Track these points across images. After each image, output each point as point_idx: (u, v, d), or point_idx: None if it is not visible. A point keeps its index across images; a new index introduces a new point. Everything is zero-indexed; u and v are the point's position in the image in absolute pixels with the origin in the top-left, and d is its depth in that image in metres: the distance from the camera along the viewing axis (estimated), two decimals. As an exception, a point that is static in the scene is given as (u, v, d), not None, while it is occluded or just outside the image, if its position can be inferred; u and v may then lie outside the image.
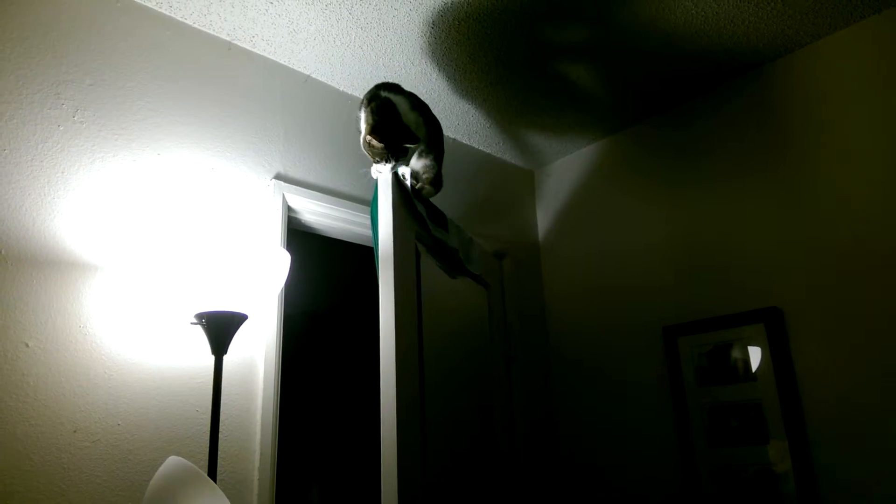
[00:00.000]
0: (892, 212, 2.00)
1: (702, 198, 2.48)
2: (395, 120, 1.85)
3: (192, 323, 1.60)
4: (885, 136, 2.05)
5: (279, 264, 1.69)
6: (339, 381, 3.49)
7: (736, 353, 2.27)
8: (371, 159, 1.84)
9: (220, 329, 1.57)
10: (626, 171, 2.78)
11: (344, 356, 3.52)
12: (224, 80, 2.03)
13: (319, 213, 2.18)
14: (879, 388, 1.95)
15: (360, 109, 1.89)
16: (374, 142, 1.78)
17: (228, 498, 1.46)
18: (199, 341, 1.73)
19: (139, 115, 1.81)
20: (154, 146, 1.82)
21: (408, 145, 1.85)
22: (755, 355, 2.22)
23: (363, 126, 1.83)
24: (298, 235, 2.27)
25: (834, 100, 2.18)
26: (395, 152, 1.80)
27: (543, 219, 3.06)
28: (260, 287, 1.64)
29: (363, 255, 2.45)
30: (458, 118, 2.61)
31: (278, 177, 2.06)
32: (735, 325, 2.28)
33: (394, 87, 1.93)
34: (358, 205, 2.26)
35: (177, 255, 1.64)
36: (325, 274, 3.60)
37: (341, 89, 2.37)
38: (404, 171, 1.89)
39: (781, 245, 2.23)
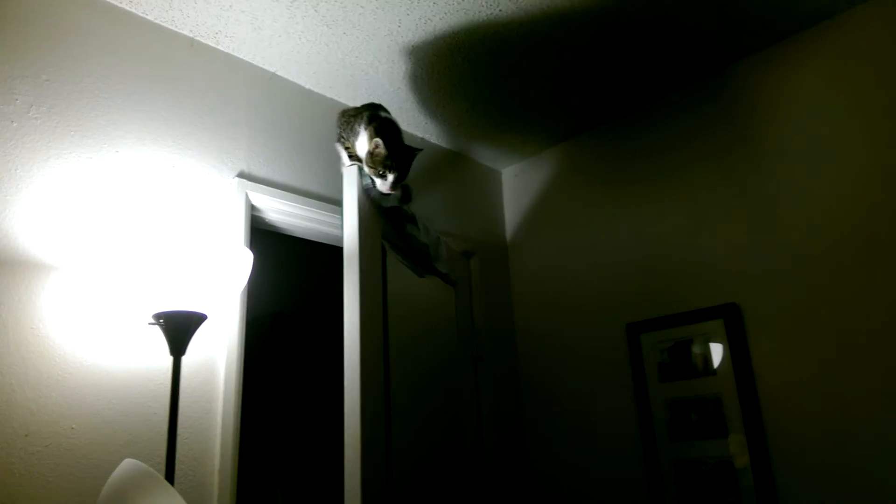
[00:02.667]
0: (845, 210, 2.05)
1: (665, 197, 2.52)
2: (399, 136, 1.90)
3: (149, 323, 1.58)
4: (839, 137, 2.10)
5: (241, 263, 1.67)
6: (305, 382, 3.47)
7: (696, 349, 2.31)
8: (371, 171, 1.84)
9: (179, 329, 1.55)
10: (591, 171, 2.81)
11: (312, 357, 3.50)
12: (186, 77, 2.00)
13: (285, 213, 2.16)
14: (833, 383, 2.00)
15: (350, 129, 1.90)
16: (380, 148, 1.79)
17: (188, 501, 1.45)
18: (158, 342, 1.70)
19: (97, 112, 1.77)
20: (112, 143, 1.78)
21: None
22: (715, 350, 2.27)
23: (364, 139, 1.84)
24: (265, 235, 2.25)
25: (789, 102, 2.23)
26: (397, 164, 1.82)
27: (511, 218, 3.07)
28: (220, 287, 1.62)
29: (334, 255, 2.43)
30: (426, 117, 2.61)
31: (241, 175, 2.04)
32: (695, 321, 2.32)
33: (384, 109, 1.98)
34: (326, 204, 2.24)
35: (135, 254, 1.61)
36: (295, 275, 3.56)
37: (308, 87, 2.35)
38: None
39: (739, 242, 2.28)
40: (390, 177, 1.82)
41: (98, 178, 1.73)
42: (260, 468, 3.02)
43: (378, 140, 1.80)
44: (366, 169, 1.85)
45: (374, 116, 1.90)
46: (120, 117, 1.81)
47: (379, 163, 1.81)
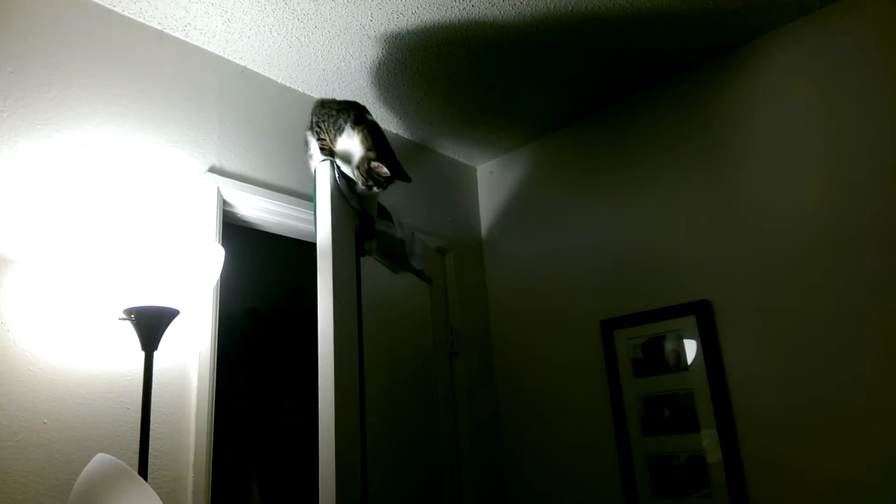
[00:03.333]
0: (816, 208, 2.09)
1: (639, 194, 2.55)
2: (389, 147, 1.90)
3: (120, 318, 1.56)
4: (811, 134, 2.14)
5: (212, 259, 1.67)
6: (282, 377, 3.45)
7: (669, 345, 2.34)
8: (360, 179, 1.84)
9: (150, 324, 1.54)
10: (565, 168, 2.83)
11: (287, 352, 3.49)
12: (155, 71, 1.98)
13: (258, 208, 2.15)
14: (801, 379, 2.04)
15: (333, 122, 1.89)
16: (382, 169, 1.81)
17: (162, 496, 1.44)
18: (130, 337, 1.68)
19: (65, 105, 1.75)
20: (81, 136, 1.76)
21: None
22: (687, 347, 2.30)
23: (360, 147, 1.83)
24: (239, 231, 2.23)
25: (760, 100, 2.27)
26: (387, 180, 1.86)
27: (486, 215, 3.09)
28: (192, 282, 1.61)
29: (309, 251, 2.43)
30: (399, 112, 2.61)
31: (213, 170, 2.02)
32: (668, 317, 2.35)
33: (368, 111, 1.99)
34: (299, 200, 2.23)
35: (105, 248, 1.60)
36: (271, 271, 3.55)
37: (280, 81, 2.34)
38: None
39: (711, 240, 2.31)
40: (376, 190, 1.86)
41: (66, 173, 1.71)
42: (236, 461, 3.00)
43: (378, 164, 1.81)
44: (353, 172, 1.85)
45: (363, 118, 1.90)
46: (88, 111, 1.79)
47: (373, 176, 1.83)
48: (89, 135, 1.78)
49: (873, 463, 1.88)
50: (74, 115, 1.76)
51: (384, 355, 2.25)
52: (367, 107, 2.01)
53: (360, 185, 1.86)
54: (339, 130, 1.87)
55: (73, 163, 1.73)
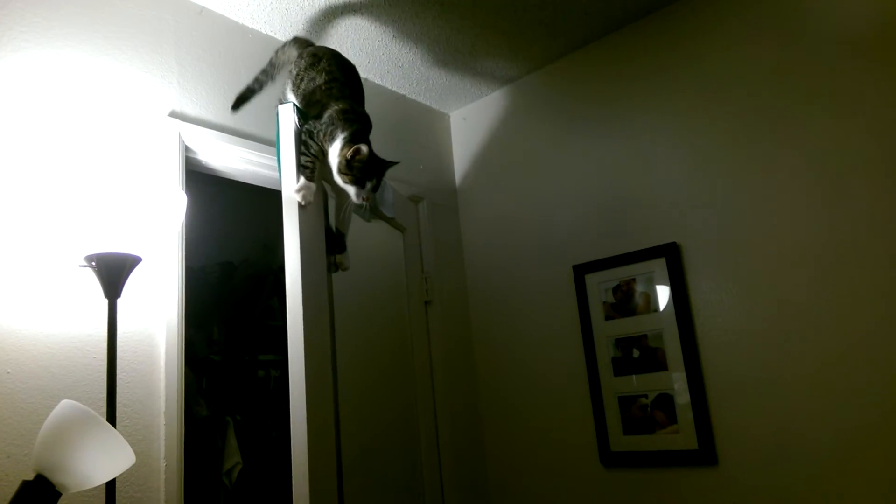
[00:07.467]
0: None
1: (610, 139, 2.53)
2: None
3: (81, 266, 1.54)
4: (785, 76, 2.12)
5: (175, 205, 1.64)
6: (258, 329, 3.46)
7: (639, 288, 2.37)
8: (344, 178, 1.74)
9: (112, 271, 1.52)
10: (538, 113, 2.80)
11: (263, 305, 3.48)
12: (109, 10, 1.89)
13: (223, 155, 2.10)
14: (765, 317, 2.08)
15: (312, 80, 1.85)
16: (362, 154, 1.71)
17: (133, 444, 1.44)
18: (94, 286, 1.65)
19: (14, 46, 1.67)
20: (33, 81, 1.69)
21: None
22: (657, 289, 2.33)
23: (337, 145, 1.74)
24: (207, 180, 2.18)
25: (731, 42, 2.24)
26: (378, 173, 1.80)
27: (460, 162, 3.06)
28: (154, 228, 1.59)
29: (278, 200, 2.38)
30: (369, 56, 2.54)
31: (173, 114, 1.96)
32: (638, 260, 2.37)
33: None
34: (267, 146, 2.18)
35: (62, 194, 1.56)
36: (246, 222, 3.51)
37: (241, 22, 2.25)
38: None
39: (681, 182, 2.31)
40: (369, 185, 1.75)
41: (19, 117, 1.64)
42: (213, 410, 3.02)
43: (362, 146, 1.70)
44: (337, 176, 1.75)
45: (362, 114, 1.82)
46: (40, 53, 1.72)
47: (358, 169, 1.73)
48: (41, 78, 1.70)
49: (838, 400, 1.92)
50: (25, 58, 1.68)
51: (358, 305, 2.24)
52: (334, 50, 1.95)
53: (349, 188, 1.74)
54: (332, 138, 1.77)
55: (27, 109, 1.66)
